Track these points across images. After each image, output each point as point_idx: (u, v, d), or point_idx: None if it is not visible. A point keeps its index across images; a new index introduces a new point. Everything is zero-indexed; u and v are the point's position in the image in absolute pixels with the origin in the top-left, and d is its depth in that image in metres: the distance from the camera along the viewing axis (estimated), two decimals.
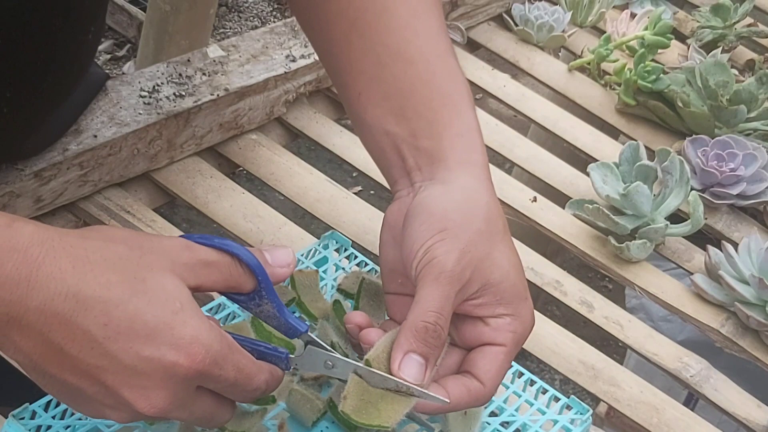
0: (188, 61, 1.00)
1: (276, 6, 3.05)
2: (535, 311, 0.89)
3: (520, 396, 0.75)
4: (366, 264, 0.82)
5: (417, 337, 0.62)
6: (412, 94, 0.69)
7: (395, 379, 0.61)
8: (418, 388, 0.61)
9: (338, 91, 0.75)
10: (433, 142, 0.68)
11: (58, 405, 0.65)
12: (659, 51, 1.25)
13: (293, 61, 1.04)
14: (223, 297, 0.71)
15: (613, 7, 1.37)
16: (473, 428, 0.69)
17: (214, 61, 1.01)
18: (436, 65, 0.70)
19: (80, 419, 0.65)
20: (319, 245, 0.82)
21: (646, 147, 1.05)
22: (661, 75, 1.15)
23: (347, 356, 0.73)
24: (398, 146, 0.69)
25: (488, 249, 0.64)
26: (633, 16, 1.31)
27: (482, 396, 0.64)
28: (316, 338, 0.63)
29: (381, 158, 0.71)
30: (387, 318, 0.70)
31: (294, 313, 0.76)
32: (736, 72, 1.22)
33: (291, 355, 0.62)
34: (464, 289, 0.63)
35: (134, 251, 0.56)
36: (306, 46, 1.07)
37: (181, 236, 0.60)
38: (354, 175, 1.95)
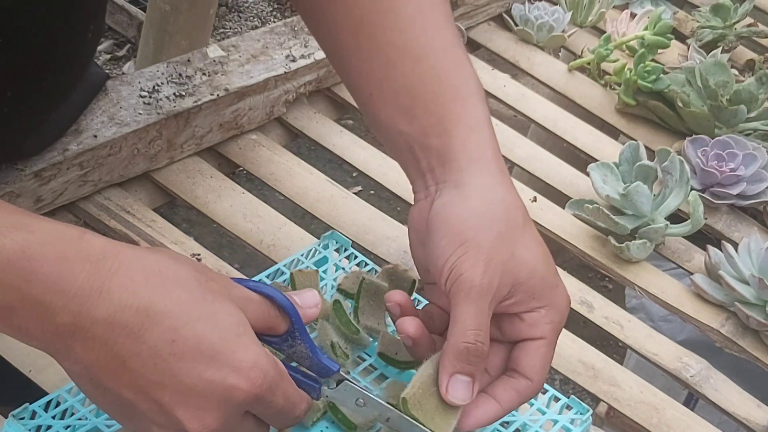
0: (188, 61, 1.00)
1: (276, 6, 3.05)
2: None
3: None
4: (366, 264, 0.82)
5: (460, 359, 0.63)
6: (422, 91, 0.69)
7: (422, 427, 0.63)
8: None
9: (351, 93, 0.75)
10: (443, 140, 0.68)
11: (58, 405, 0.65)
12: (659, 51, 1.25)
13: (293, 61, 1.04)
14: None
15: (613, 7, 1.37)
16: None
17: (214, 61, 1.01)
18: (443, 60, 0.70)
19: (80, 419, 0.65)
20: (319, 245, 0.82)
21: (646, 147, 1.05)
22: (661, 75, 1.15)
23: (347, 356, 0.73)
24: (411, 146, 0.69)
25: (511, 249, 0.65)
26: (633, 16, 1.31)
27: (532, 392, 0.66)
28: (347, 377, 0.65)
29: (399, 158, 0.72)
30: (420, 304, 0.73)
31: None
32: (736, 72, 1.22)
33: (324, 387, 0.64)
34: (496, 296, 0.64)
35: (200, 274, 0.57)
36: (306, 46, 1.07)
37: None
38: (354, 175, 1.95)
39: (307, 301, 0.64)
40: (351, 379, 0.65)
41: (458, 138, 0.68)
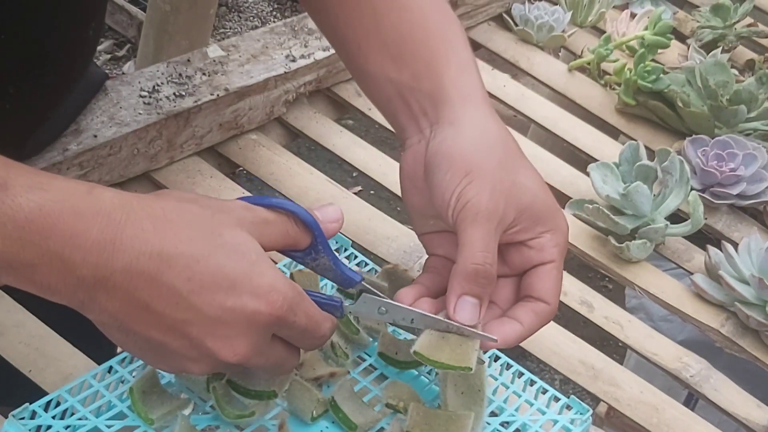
0: (188, 61, 1.00)
1: (276, 6, 3.06)
2: None
3: (520, 396, 0.75)
4: (366, 264, 0.82)
5: (468, 280, 0.65)
6: (410, 38, 0.71)
7: (447, 321, 0.65)
8: (468, 329, 0.65)
9: (337, 49, 0.77)
10: (434, 83, 0.70)
11: (58, 405, 0.65)
12: (659, 51, 1.25)
13: (293, 61, 1.04)
14: None
15: (613, 7, 1.37)
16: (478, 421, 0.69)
17: (214, 61, 1.01)
18: (428, 8, 0.73)
19: (80, 419, 0.65)
20: None
21: (646, 147, 1.05)
22: (661, 75, 1.15)
23: (348, 356, 0.73)
24: (402, 93, 0.71)
25: (512, 176, 0.67)
26: (633, 16, 1.31)
27: (549, 314, 0.68)
28: (370, 287, 0.67)
29: (387, 107, 0.73)
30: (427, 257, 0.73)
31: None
32: (736, 72, 1.22)
33: (345, 303, 0.66)
34: (502, 222, 0.66)
35: (206, 210, 0.59)
36: (306, 46, 1.07)
37: (239, 198, 0.63)
38: (354, 175, 1.95)
39: (329, 216, 0.65)
40: (371, 289, 0.66)
41: (449, 79, 0.70)
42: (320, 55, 1.06)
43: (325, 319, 0.63)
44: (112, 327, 0.58)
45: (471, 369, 0.64)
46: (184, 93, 0.95)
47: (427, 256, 0.72)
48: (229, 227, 0.59)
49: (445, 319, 0.65)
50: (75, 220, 0.54)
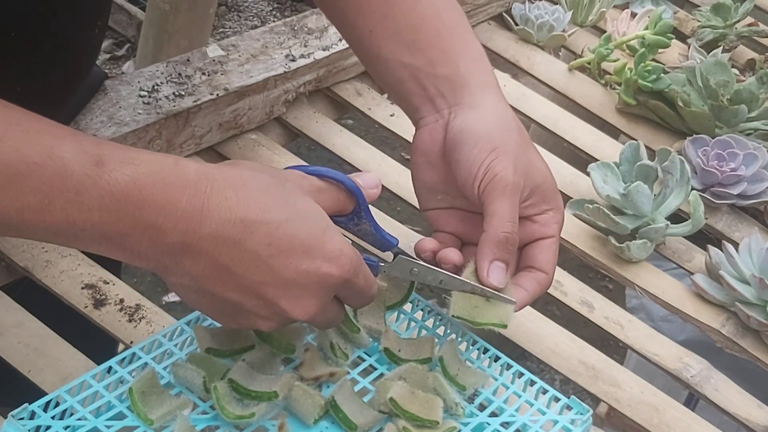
0: (188, 60, 1.00)
1: (276, 5, 3.06)
2: (535, 311, 0.90)
3: (520, 396, 0.75)
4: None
5: (499, 247, 0.72)
6: (423, 27, 0.77)
7: (473, 283, 0.72)
8: (492, 291, 0.72)
9: (345, 33, 0.81)
10: (450, 70, 0.76)
11: (57, 405, 0.65)
12: (660, 50, 1.25)
13: (293, 60, 1.04)
14: None
15: (614, 6, 1.36)
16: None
17: (214, 60, 1.00)
18: (439, 1, 0.78)
19: (79, 419, 0.65)
20: None
21: (646, 147, 1.05)
22: (662, 74, 1.15)
23: (347, 356, 0.73)
24: (416, 76, 0.77)
25: (528, 156, 0.75)
26: (633, 15, 1.31)
27: (548, 283, 0.76)
28: (404, 251, 0.73)
29: (399, 89, 0.79)
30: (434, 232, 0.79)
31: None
32: (737, 71, 1.22)
33: (381, 263, 0.71)
34: (521, 196, 0.74)
35: (276, 179, 0.64)
36: (305, 46, 1.07)
37: (291, 167, 0.69)
38: None
39: (369, 182, 0.71)
40: (405, 252, 0.72)
41: (465, 67, 0.76)
42: (320, 54, 1.06)
43: (374, 281, 0.69)
44: (190, 289, 0.62)
45: (506, 326, 0.72)
46: (183, 93, 0.95)
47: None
48: (299, 195, 0.64)
49: (470, 282, 0.71)
50: (166, 191, 0.58)
